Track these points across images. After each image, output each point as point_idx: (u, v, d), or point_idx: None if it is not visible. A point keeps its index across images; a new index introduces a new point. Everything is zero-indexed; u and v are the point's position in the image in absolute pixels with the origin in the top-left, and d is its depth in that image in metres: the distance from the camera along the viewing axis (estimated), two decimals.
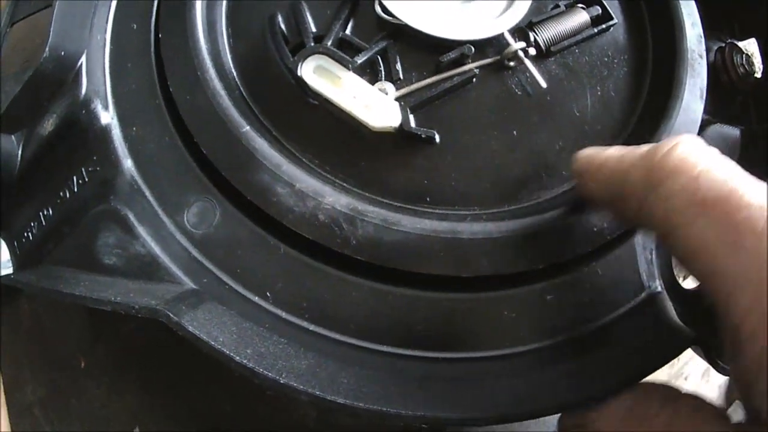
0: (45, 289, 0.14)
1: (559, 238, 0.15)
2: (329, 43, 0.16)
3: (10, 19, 0.20)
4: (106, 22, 0.18)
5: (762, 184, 0.11)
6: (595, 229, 0.15)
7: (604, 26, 0.18)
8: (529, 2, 0.17)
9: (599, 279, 0.15)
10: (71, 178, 0.17)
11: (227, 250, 0.14)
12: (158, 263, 0.14)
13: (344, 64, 0.15)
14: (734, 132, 0.18)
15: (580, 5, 0.18)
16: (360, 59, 0.15)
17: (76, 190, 0.17)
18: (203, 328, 0.13)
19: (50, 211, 0.17)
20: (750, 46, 0.21)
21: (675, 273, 0.15)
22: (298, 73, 0.15)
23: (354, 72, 0.15)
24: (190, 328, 0.13)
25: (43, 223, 0.17)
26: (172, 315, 0.12)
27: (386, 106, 0.15)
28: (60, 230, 0.16)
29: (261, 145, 0.14)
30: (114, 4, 0.18)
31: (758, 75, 0.20)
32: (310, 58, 0.15)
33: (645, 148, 0.12)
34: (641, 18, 0.19)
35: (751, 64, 0.20)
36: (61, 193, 0.17)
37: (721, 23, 0.21)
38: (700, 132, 0.18)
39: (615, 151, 0.13)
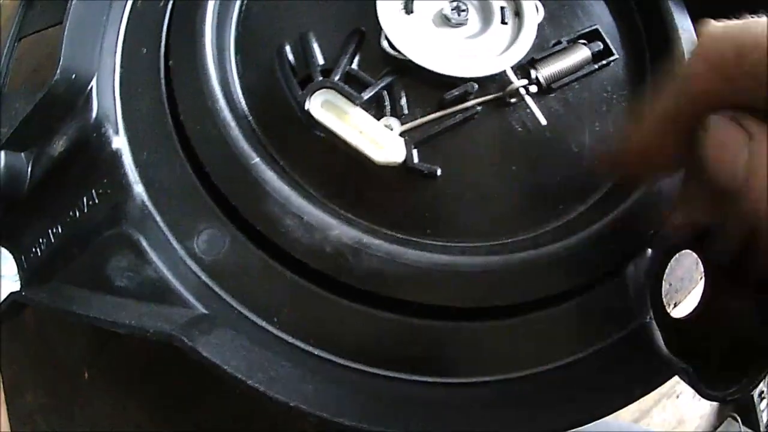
0: (58, 309, 0.16)
1: (553, 270, 0.17)
2: (337, 78, 0.17)
3: (17, 34, 0.21)
4: (116, 45, 0.19)
5: None
6: (588, 262, 0.17)
7: (604, 62, 0.20)
8: (532, 39, 0.19)
9: (590, 310, 0.17)
10: (81, 199, 0.18)
11: (236, 277, 0.16)
12: (170, 288, 0.16)
13: (351, 100, 0.17)
14: None
15: (581, 41, 0.20)
16: (366, 95, 0.17)
17: (86, 210, 0.18)
18: (216, 353, 0.15)
19: (59, 229, 0.19)
20: None
21: (664, 303, 0.18)
22: (306, 107, 0.17)
23: (361, 107, 0.17)
24: (205, 354, 0.14)
25: (52, 241, 0.19)
26: (186, 340, 0.14)
27: (391, 141, 0.17)
28: (70, 249, 0.18)
29: (270, 177, 0.16)
30: (123, 26, 0.19)
31: None
32: (318, 93, 0.17)
33: None
34: (642, 52, 0.21)
35: None
36: (71, 213, 0.19)
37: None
38: None
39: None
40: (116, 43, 0.19)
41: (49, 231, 0.19)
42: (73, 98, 0.18)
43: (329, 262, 0.16)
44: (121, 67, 0.19)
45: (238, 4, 0.20)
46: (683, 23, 0.21)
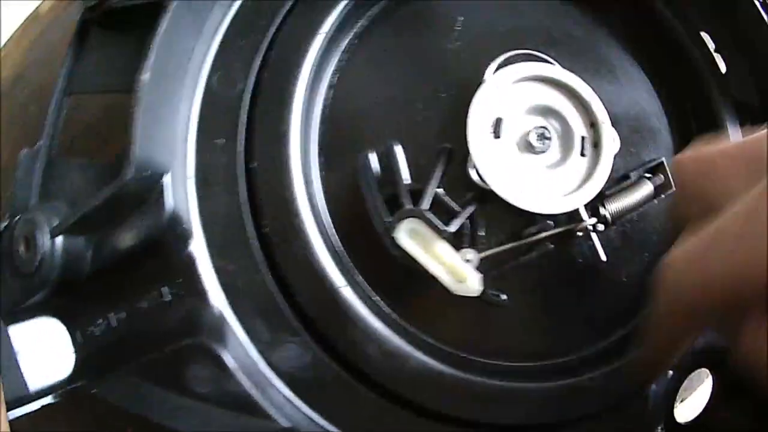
0: (138, 414, 0.17)
1: (591, 394, 0.19)
2: (425, 205, 0.18)
3: (67, 87, 0.19)
4: (187, 129, 0.18)
5: None
6: (619, 387, 0.20)
7: (663, 196, 0.22)
8: (607, 175, 0.20)
9: (615, 427, 0.20)
10: (150, 291, 0.18)
11: (318, 392, 0.18)
12: (252, 401, 0.17)
13: (438, 232, 0.18)
14: None
15: (647, 174, 0.21)
16: (452, 227, 0.18)
17: (156, 305, 0.18)
18: None
19: (124, 315, 0.19)
20: None
21: (674, 412, 0.21)
22: (394, 235, 0.18)
23: (445, 239, 0.18)
24: None
25: (114, 324, 0.19)
26: None
27: (470, 276, 0.18)
28: (138, 344, 0.18)
29: (356, 304, 0.17)
30: (197, 107, 0.18)
31: None
32: (405, 221, 0.18)
33: None
34: None
35: None
36: (138, 302, 0.19)
37: None
38: None
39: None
40: (188, 126, 0.18)
41: (111, 314, 0.19)
42: (144, 192, 0.18)
43: (406, 386, 0.18)
44: (196, 158, 0.18)
45: (323, 99, 0.19)
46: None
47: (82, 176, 0.19)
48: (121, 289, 0.19)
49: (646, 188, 0.21)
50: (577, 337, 0.20)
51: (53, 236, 0.17)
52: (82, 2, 0.19)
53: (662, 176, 0.22)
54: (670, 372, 0.21)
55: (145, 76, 0.16)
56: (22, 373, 0.18)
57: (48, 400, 0.18)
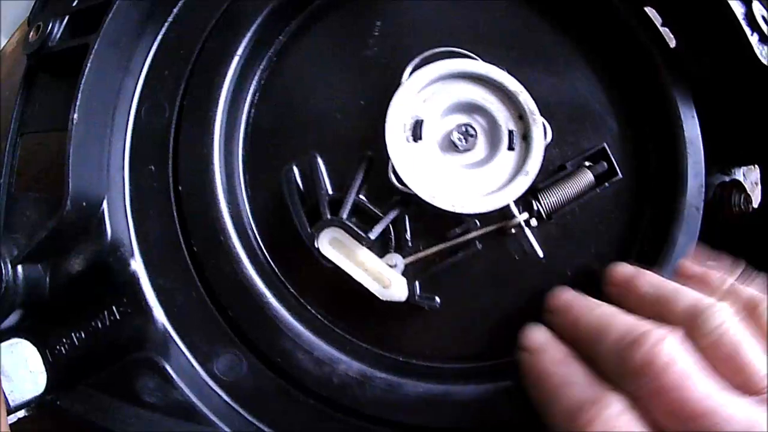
0: (95, 423, 0.19)
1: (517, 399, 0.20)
2: (345, 213, 0.19)
3: (18, 128, 0.22)
4: (123, 160, 0.21)
5: None
6: None
7: (607, 184, 0.22)
8: (538, 169, 0.20)
9: None
10: (102, 312, 0.21)
11: (256, 398, 0.20)
12: (195, 409, 0.19)
13: (359, 240, 0.19)
14: None
15: (587, 163, 0.22)
16: (373, 234, 0.19)
17: (108, 323, 0.21)
18: None
19: (82, 335, 0.22)
20: (751, 175, 0.25)
21: None
22: (315, 245, 0.19)
23: (367, 246, 0.19)
24: None
25: (76, 343, 0.22)
26: None
27: (395, 281, 0.19)
28: (96, 357, 0.21)
29: (283, 314, 0.19)
30: (129, 139, 0.21)
31: (755, 206, 0.24)
32: (326, 231, 0.19)
33: (579, 387, 0.16)
34: (645, 170, 0.23)
35: (748, 202, 0.24)
36: (93, 323, 0.21)
37: (725, 150, 0.24)
38: None
39: (554, 367, 0.17)
40: (123, 157, 0.21)
41: (73, 335, 0.22)
42: (85, 221, 0.20)
43: (337, 392, 0.19)
44: (130, 185, 0.21)
45: (245, 117, 0.21)
46: (692, 134, 0.22)
47: (38, 210, 0.21)
48: (78, 311, 0.21)
49: (585, 178, 0.21)
50: (517, 334, 0.21)
51: (14, 266, 0.20)
52: (24, 51, 0.22)
53: (605, 163, 0.22)
54: None
55: (74, 116, 0.19)
56: (3, 393, 0.22)
57: (22, 413, 0.21)
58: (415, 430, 0.20)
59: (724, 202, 0.24)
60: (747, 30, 0.20)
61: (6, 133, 0.23)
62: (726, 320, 0.16)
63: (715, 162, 0.23)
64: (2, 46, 0.31)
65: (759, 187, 0.25)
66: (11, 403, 0.22)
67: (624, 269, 0.20)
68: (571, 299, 0.19)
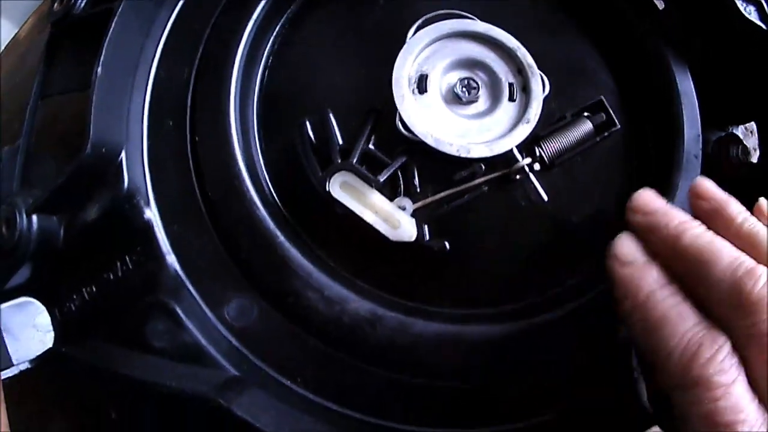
0: (101, 368, 0.20)
1: (551, 337, 0.21)
2: (354, 160, 0.21)
3: (40, 92, 0.24)
4: (142, 114, 0.23)
5: (758, 407, 0.15)
6: (585, 326, 0.21)
7: (606, 134, 0.23)
8: (538, 117, 0.22)
9: (584, 368, 0.21)
10: (115, 263, 0.22)
11: (264, 342, 0.20)
12: (204, 352, 0.20)
13: (368, 182, 0.21)
14: None
15: (585, 113, 0.23)
16: (382, 177, 0.21)
17: (120, 274, 0.22)
18: (248, 412, 0.19)
19: (93, 289, 0.23)
20: (744, 130, 0.27)
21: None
22: (327, 189, 0.21)
23: (377, 188, 0.21)
24: (238, 413, 0.19)
25: (86, 298, 0.23)
26: (222, 402, 0.19)
27: (404, 222, 0.21)
28: (106, 309, 0.22)
29: (294, 254, 0.20)
30: (148, 95, 0.23)
31: (754, 160, 0.26)
32: (337, 175, 0.21)
33: (690, 321, 0.16)
34: (642, 121, 0.24)
35: (747, 154, 0.26)
36: (105, 275, 0.22)
37: (723, 109, 0.26)
38: None
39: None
40: (142, 112, 0.23)
41: (84, 290, 0.23)
42: (103, 169, 0.22)
43: (347, 332, 0.20)
44: (149, 137, 0.22)
45: (259, 77, 0.23)
46: (685, 87, 0.24)
47: (55, 165, 0.23)
48: (90, 264, 0.22)
49: (585, 126, 0.23)
50: (526, 281, 0.22)
51: (29, 215, 0.21)
52: (49, 20, 0.24)
53: (603, 114, 0.24)
54: None
55: (99, 69, 0.21)
56: (7, 349, 0.22)
57: (25, 365, 0.22)
58: (426, 372, 0.20)
59: (722, 155, 0.25)
60: None
61: (29, 97, 0.25)
62: None
63: (712, 121, 0.25)
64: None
65: (757, 142, 0.26)
66: (15, 362, 0.22)
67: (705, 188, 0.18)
68: (664, 209, 0.18)
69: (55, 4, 0.25)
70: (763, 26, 0.23)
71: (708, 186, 0.19)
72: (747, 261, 0.16)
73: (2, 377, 0.21)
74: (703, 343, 0.16)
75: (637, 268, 0.17)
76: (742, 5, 0.23)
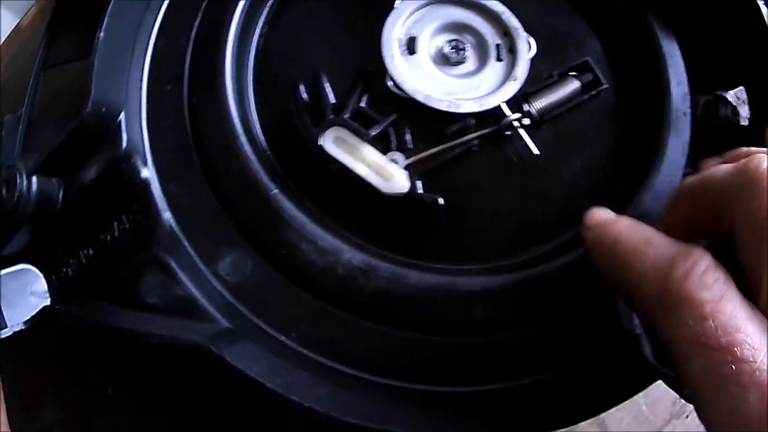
0: (91, 321, 0.20)
1: (547, 290, 0.21)
2: (347, 116, 0.22)
3: (43, 64, 0.26)
4: (141, 80, 0.24)
5: (760, 323, 0.13)
6: (579, 281, 0.21)
7: (594, 92, 0.25)
8: (525, 75, 0.23)
9: (583, 323, 0.21)
10: (112, 223, 0.23)
11: (258, 296, 0.21)
12: (197, 305, 0.20)
13: (360, 136, 0.22)
14: None
15: (572, 73, 0.25)
16: (374, 131, 0.22)
17: (116, 234, 0.23)
18: (240, 360, 0.19)
19: (90, 251, 0.23)
20: (739, 95, 0.28)
21: None
22: (319, 143, 0.21)
23: (368, 143, 0.22)
24: (229, 360, 0.19)
25: (83, 261, 0.23)
26: (213, 349, 0.19)
27: (396, 174, 0.21)
28: (102, 270, 0.22)
29: (288, 206, 0.21)
30: (148, 62, 0.24)
31: (744, 123, 0.27)
32: (329, 130, 0.22)
33: (662, 245, 0.15)
34: (630, 82, 0.25)
35: (736, 114, 0.27)
36: (102, 236, 0.23)
37: (710, 75, 0.27)
38: None
39: (629, 231, 0.16)
40: (141, 78, 0.24)
41: (81, 253, 0.23)
42: (103, 129, 0.23)
43: (341, 283, 0.20)
44: (147, 101, 0.23)
45: (254, 44, 0.24)
46: (670, 49, 0.25)
47: (55, 131, 0.24)
48: (87, 226, 0.23)
49: (572, 85, 0.24)
50: (518, 236, 0.22)
51: (29, 176, 0.22)
52: None
53: (590, 74, 0.25)
54: None
55: (101, 34, 0.22)
56: (2, 314, 0.23)
57: (19, 326, 0.22)
58: (421, 325, 0.20)
59: (711, 115, 0.26)
60: None
61: (28, 74, 0.26)
62: None
63: (701, 86, 0.26)
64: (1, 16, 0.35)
65: (747, 106, 0.27)
66: (8, 328, 0.23)
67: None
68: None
69: None
70: None
71: None
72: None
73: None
74: (676, 257, 0.15)
75: (606, 224, 0.17)
76: None
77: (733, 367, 0.13)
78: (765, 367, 0.13)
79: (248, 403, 0.21)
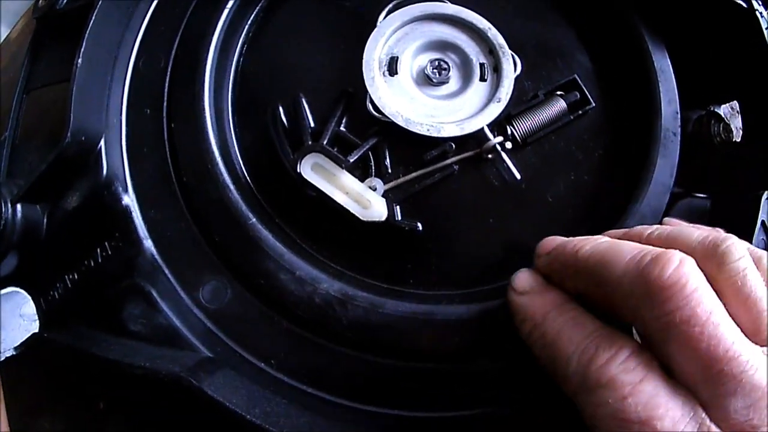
0: (79, 350, 0.22)
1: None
2: (325, 141, 0.23)
3: (25, 86, 0.27)
4: (121, 104, 0.25)
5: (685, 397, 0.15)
6: None
7: (580, 112, 0.25)
8: (509, 96, 0.24)
9: None
10: (95, 250, 0.24)
11: (238, 324, 0.22)
12: (178, 334, 0.22)
13: (338, 163, 0.23)
14: (704, 203, 0.25)
15: (558, 92, 0.25)
16: (352, 158, 0.23)
17: (100, 261, 0.24)
18: (219, 392, 0.21)
19: (75, 276, 0.25)
20: (733, 105, 0.28)
21: None
22: (298, 170, 0.23)
23: (347, 169, 0.23)
24: (209, 392, 0.20)
25: (69, 286, 0.25)
26: (194, 381, 0.20)
27: (375, 201, 0.22)
28: (86, 295, 0.24)
29: (266, 235, 0.22)
30: (127, 86, 0.25)
31: (737, 140, 0.27)
32: (308, 156, 0.23)
33: (588, 328, 0.17)
34: (619, 99, 0.26)
35: (729, 131, 0.27)
36: (86, 262, 0.25)
37: (703, 89, 0.27)
38: (670, 206, 0.24)
39: (556, 312, 0.18)
40: (121, 102, 0.25)
41: (66, 277, 0.25)
42: (83, 157, 0.24)
43: (318, 312, 0.22)
44: (127, 126, 0.25)
45: (234, 63, 0.25)
46: (662, 64, 0.26)
47: (38, 156, 0.26)
48: (71, 252, 0.25)
49: (558, 105, 0.25)
50: (498, 262, 0.23)
51: (13, 204, 0.24)
52: (33, 15, 0.27)
53: (577, 93, 0.25)
54: None
55: (79, 60, 0.24)
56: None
57: (10, 352, 0.24)
58: (398, 353, 0.22)
59: (703, 133, 0.27)
60: None
61: (14, 91, 0.28)
62: (746, 256, 0.16)
63: (693, 101, 0.27)
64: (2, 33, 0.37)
65: (738, 122, 0.28)
66: (1, 351, 0.25)
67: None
68: (565, 240, 0.19)
69: (40, 1, 0.28)
70: (743, 4, 0.25)
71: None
72: (652, 250, 0.16)
73: None
74: (600, 345, 0.16)
75: (534, 294, 0.19)
76: None
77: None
78: None
79: (229, 428, 0.23)
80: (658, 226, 0.20)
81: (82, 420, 0.27)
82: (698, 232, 0.18)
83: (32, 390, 0.29)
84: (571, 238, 0.19)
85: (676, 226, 0.21)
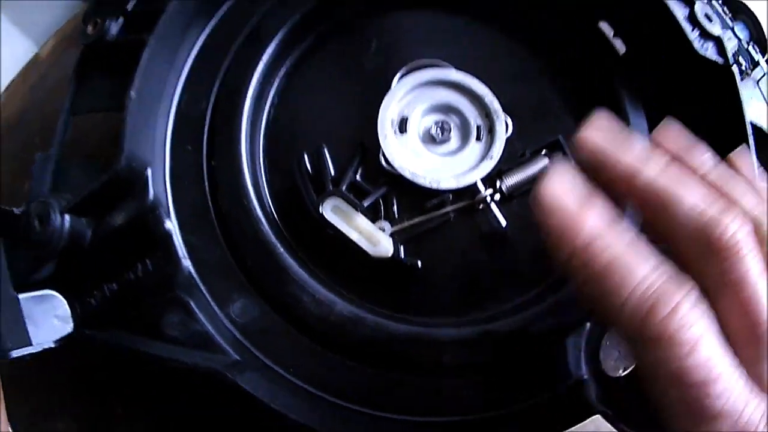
0: (116, 344, 0.27)
1: (505, 340, 0.29)
2: (344, 187, 0.29)
3: (71, 108, 0.31)
4: (165, 139, 0.30)
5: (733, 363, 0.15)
6: (537, 332, 0.29)
7: None
8: (500, 155, 0.30)
9: (535, 370, 0.29)
10: (136, 265, 0.29)
11: (263, 336, 0.28)
12: (212, 340, 0.27)
13: (354, 207, 0.28)
14: None
15: (544, 151, 0.31)
16: (366, 202, 0.29)
17: (140, 274, 0.30)
18: (249, 386, 0.26)
19: (114, 286, 0.30)
20: None
21: (601, 363, 0.29)
22: (320, 211, 0.28)
23: (361, 212, 0.28)
24: (242, 384, 0.26)
25: (107, 294, 0.30)
26: (229, 375, 0.26)
27: (383, 240, 0.28)
28: (124, 304, 0.29)
29: (291, 264, 0.28)
30: (171, 123, 0.30)
31: None
32: (329, 200, 0.28)
33: (649, 271, 0.16)
34: None
35: None
36: (126, 275, 0.30)
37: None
38: None
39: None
40: (165, 137, 0.30)
41: (105, 286, 0.30)
42: (132, 182, 0.29)
43: (333, 329, 0.28)
44: (171, 159, 0.30)
45: (266, 115, 0.31)
46: (640, 128, 0.32)
47: (83, 173, 0.30)
48: (112, 264, 0.30)
49: (542, 162, 0.31)
50: (484, 295, 0.30)
51: (62, 214, 0.29)
52: (81, 41, 0.31)
53: (560, 153, 0.32)
54: (588, 324, 0.30)
55: (133, 92, 0.28)
56: (28, 334, 0.29)
57: (49, 344, 0.29)
58: (398, 367, 0.28)
59: None
60: (687, 28, 0.28)
61: (51, 111, 0.32)
62: None
63: None
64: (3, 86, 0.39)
65: None
66: (37, 344, 0.29)
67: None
68: (616, 141, 0.18)
69: (89, 27, 0.32)
70: (720, 60, 0.29)
71: (673, 130, 0.19)
72: (716, 204, 0.16)
73: (23, 353, 0.28)
74: (662, 294, 0.15)
75: (575, 207, 0.17)
76: (698, 43, 0.29)
77: (707, 402, 0.15)
78: (735, 402, 0.15)
79: (254, 420, 0.28)
80: (717, 164, 0.19)
81: (97, 423, 0.32)
82: (753, 193, 0.17)
83: (47, 391, 0.33)
84: (618, 143, 0.18)
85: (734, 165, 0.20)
